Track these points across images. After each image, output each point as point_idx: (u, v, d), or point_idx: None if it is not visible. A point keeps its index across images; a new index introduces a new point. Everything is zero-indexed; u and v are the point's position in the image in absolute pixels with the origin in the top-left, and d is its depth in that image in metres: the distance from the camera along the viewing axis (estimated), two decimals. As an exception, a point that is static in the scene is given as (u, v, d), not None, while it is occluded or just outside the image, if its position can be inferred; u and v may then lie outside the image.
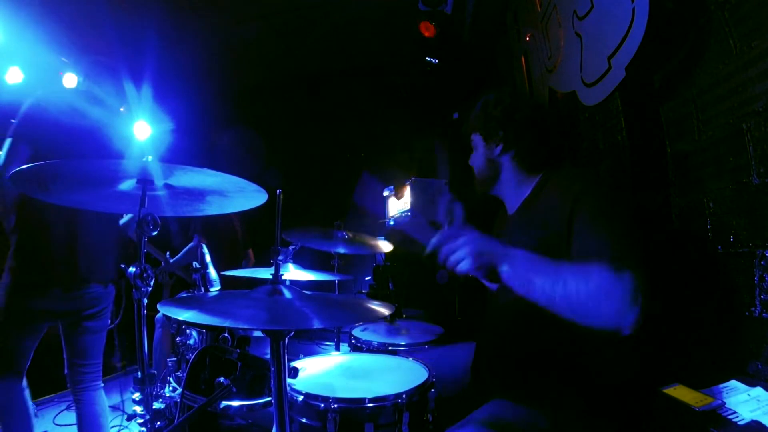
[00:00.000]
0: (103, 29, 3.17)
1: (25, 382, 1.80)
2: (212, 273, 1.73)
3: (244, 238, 3.42)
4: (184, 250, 3.06)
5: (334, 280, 2.21)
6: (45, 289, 1.76)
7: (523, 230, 1.20)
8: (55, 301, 1.77)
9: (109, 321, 2.00)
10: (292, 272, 1.90)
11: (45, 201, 1.19)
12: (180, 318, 0.76)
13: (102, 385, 1.93)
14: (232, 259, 3.19)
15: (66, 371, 1.88)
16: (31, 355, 1.82)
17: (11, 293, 1.73)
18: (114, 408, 2.71)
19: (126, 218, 2.04)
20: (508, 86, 3.20)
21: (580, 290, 0.90)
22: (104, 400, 1.93)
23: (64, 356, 1.89)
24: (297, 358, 1.50)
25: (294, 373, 0.97)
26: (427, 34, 3.12)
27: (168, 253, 3.06)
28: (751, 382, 1.14)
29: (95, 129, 1.88)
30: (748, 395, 1.09)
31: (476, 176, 1.38)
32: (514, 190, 1.31)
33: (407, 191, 3.56)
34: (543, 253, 1.04)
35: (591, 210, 1.03)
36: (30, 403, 1.82)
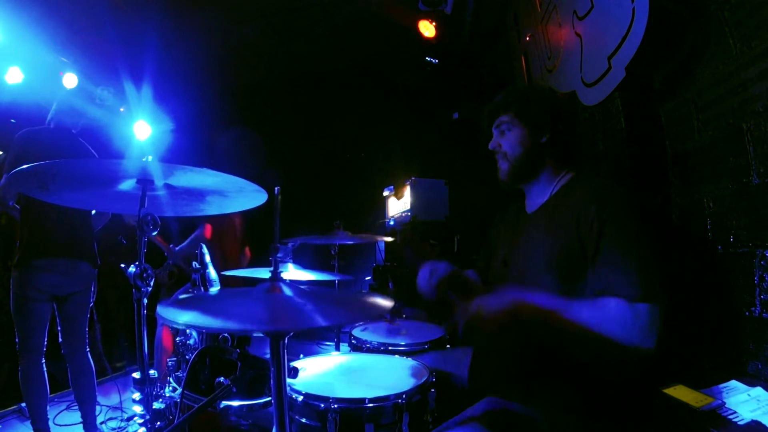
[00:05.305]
0: (103, 29, 3.17)
1: (43, 359, 2.16)
2: (212, 273, 1.72)
3: (244, 236, 3.41)
4: (190, 238, 3.00)
5: (334, 280, 2.21)
6: (45, 256, 2.16)
7: (544, 231, 1.18)
8: (53, 270, 2.17)
9: (93, 299, 2.39)
10: (292, 272, 1.90)
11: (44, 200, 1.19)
12: (179, 321, 0.74)
13: (88, 349, 2.35)
14: (232, 256, 3.18)
15: (60, 340, 2.29)
16: (46, 334, 2.18)
17: (21, 263, 2.14)
18: (114, 408, 2.71)
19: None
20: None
21: (596, 325, 0.98)
22: (90, 361, 2.35)
23: (59, 329, 2.29)
24: (297, 358, 1.50)
25: (294, 373, 0.96)
26: (427, 34, 3.12)
27: (172, 245, 3.04)
28: (751, 382, 1.14)
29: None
30: (748, 395, 1.09)
31: (509, 163, 1.25)
32: (540, 187, 1.25)
33: (407, 191, 3.57)
34: (561, 258, 1.10)
35: (620, 232, 1.04)
36: (46, 377, 2.18)
